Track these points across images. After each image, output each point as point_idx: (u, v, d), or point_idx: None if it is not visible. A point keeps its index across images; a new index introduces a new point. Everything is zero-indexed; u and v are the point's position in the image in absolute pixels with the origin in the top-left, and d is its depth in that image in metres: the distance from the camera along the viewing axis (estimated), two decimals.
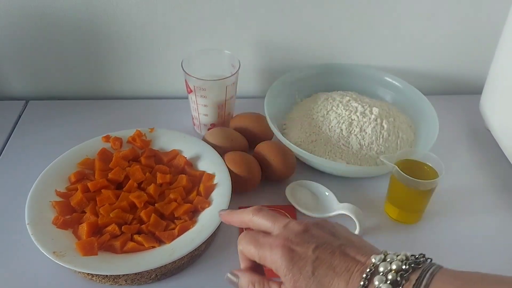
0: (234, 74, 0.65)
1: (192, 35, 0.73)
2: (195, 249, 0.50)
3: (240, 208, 0.59)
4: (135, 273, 0.49)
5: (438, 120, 0.66)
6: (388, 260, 0.32)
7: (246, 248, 0.37)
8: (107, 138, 0.63)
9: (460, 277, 0.30)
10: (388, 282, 0.31)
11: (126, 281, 0.49)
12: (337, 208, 0.57)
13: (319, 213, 0.58)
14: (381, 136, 0.64)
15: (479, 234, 0.57)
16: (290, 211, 0.59)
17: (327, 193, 0.59)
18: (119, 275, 0.49)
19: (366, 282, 0.32)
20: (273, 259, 0.35)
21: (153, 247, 0.51)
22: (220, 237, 0.56)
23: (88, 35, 0.72)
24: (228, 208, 0.51)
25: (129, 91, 0.80)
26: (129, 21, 0.71)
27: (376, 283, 0.31)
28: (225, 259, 0.53)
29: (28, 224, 0.51)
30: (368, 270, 0.32)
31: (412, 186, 0.54)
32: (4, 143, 0.68)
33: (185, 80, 0.65)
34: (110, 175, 0.57)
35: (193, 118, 0.71)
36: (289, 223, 0.37)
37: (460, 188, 0.64)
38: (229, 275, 0.39)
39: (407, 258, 0.33)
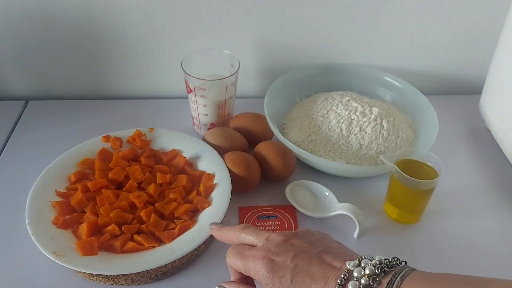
0: (234, 74, 0.65)
1: (192, 35, 0.73)
2: (195, 249, 0.50)
3: (240, 208, 0.59)
4: (135, 273, 0.49)
5: (438, 120, 0.66)
6: (362, 265, 0.34)
7: (233, 261, 0.39)
8: (107, 138, 0.63)
9: (429, 278, 0.32)
10: (361, 286, 0.32)
11: (126, 281, 0.49)
12: (337, 208, 0.57)
13: (319, 213, 0.58)
14: (380, 135, 0.64)
15: (479, 234, 0.57)
16: (290, 211, 0.59)
17: (327, 193, 0.59)
18: (119, 275, 0.49)
19: None
20: (256, 269, 0.37)
21: (153, 247, 0.51)
22: None
23: (88, 35, 0.72)
24: (219, 223, 0.51)
25: (129, 91, 0.80)
26: (129, 21, 0.71)
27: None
28: (225, 259, 0.53)
29: (28, 224, 0.51)
30: (342, 275, 0.33)
31: (412, 186, 0.54)
32: (4, 143, 0.68)
33: (185, 80, 0.65)
34: (110, 175, 0.57)
35: (193, 118, 0.71)
36: (270, 235, 0.39)
37: (460, 188, 0.64)
38: (216, 287, 0.41)
39: (380, 262, 0.34)
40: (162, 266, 0.49)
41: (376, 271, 0.33)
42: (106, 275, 0.49)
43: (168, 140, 0.64)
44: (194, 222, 0.53)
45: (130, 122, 0.70)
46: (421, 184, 0.54)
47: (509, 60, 0.63)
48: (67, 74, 0.77)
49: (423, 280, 0.31)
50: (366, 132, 0.64)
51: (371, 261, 0.34)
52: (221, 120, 0.69)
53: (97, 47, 0.74)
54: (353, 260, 0.35)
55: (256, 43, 0.75)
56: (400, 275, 0.32)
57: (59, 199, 0.55)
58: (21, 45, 0.73)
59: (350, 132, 0.64)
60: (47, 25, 0.71)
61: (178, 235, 0.52)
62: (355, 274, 0.33)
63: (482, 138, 0.73)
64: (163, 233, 0.52)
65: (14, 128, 0.71)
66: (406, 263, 0.35)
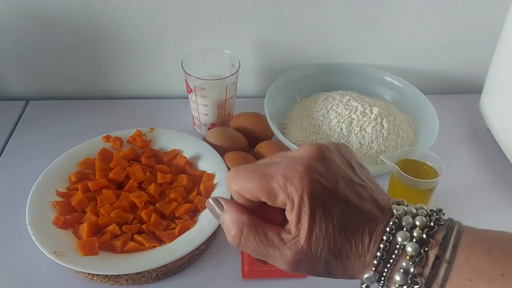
0: (234, 73, 0.65)
1: (192, 35, 0.73)
2: (196, 248, 0.50)
3: None
4: (136, 273, 0.49)
5: (438, 120, 0.66)
6: (411, 213, 0.28)
7: (244, 186, 0.29)
8: (107, 138, 0.63)
9: (487, 238, 0.27)
10: (414, 240, 0.27)
11: (126, 280, 0.49)
12: None
13: None
14: (381, 135, 0.64)
15: None
16: None
17: None
18: (120, 275, 0.49)
19: (390, 237, 0.27)
20: (292, 190, 0.27)
21: (154, 246, 0.51)
22: (220, 237, 0.56)
23: (88, 35, 0.72)
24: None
25: (129, 91, 0.80)
26: (129, 21, 0.71)
27: (399, 239, 0.27)
28: (225, 259, 0.53)
29: (28, 224, 0.51)
30: (391, 223, 0.28)
31: (412, 186, 0.54)
32: (4, 143, 0.68)
33: (185, 80, 0.65)
34: (110, 175, 0.57)
35: (193, 118, 0.71)
36: (292, 151, 0.30)
37: (460, 187, 0.64)
38: (211, 200, 0.31)
39: (428, 214, 0.29)
40: (162, 266, 0.49)
41: (429, 223, 0.28)
42: (107, 275, 0.49)
43: (169, 140, 0.64)
44: (194, 222, 0.53)
45: (131, 122, 0.70)
46: (422, 184, 0.54)
47: (509, 60, 0.64)
48: (67, 74, 0.77)
49: (482, 239, 0.27)
50: (366, 131, 0.64)
51: (417, 210, 0.29)
52: (222, 120, 0.69)
53: (97, 47, 0.74)
54: (398, 205, 0.29)
55: (256, 43, 0.75)
56: (455, 230, 0.27)
57: (59, 199, 0.55)
58: (21, 45, 0.73)
59: (350, 131, 0.65)
60: (47, 25, 0.71)
61: (179, 235, 0.52)
62: (404, 223, 0.28)
63: (482, 138, 0.73)
64: (163, 233, 0.52)
65: (14, 128, 0.71)
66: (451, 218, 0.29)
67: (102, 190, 0.55)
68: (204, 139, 0.64)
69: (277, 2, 0.71)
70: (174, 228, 0.52)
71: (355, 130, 0.64)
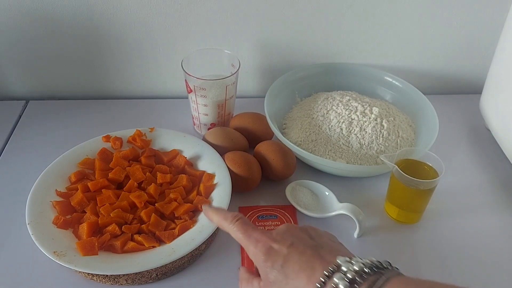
0: (234, 73, 0.65)
1: (192, 35, 0.73)
2: (195, 248, 0.50)
3: (240, 208, 0.59)
4: (136, 273, 0.49)
5: (438, 120, 0.66)
6: (353, 262, 0.34)
7: (236, 234, 0.40)
8: (107, 138, 0.63)
9: (412, 283, 0.32)
10: (346, 280, 0.33)
11: (126, 280, 0.49)
12: (337, 208, 0.57)
13: (319, 213, 0.58)
14: (381, 135, 0.64)
15: (479, 234, 0.57)
16: (290, 211, 0.59)
17: (327, 193, 0.59)
18: (120, 275, 0.49)
19: (326, 279, 0.34)
20: (255, 251, 0.38)
21: (154, 247, 0.51)
22: (220, 237, 0.56)
23: (88, 35, 0.72)
24: (222, 207, 0.52)
25: (129, 91, 0.80)
26: (129, 21, 0.71)
27: (335, 279, 0.33)
28: (225, 259, 0.53)
29: (28, 224, 0.51)
30: (330, 268, 0.34)
31: (412, 186, 0.54)
32: (4, 143, 0.68)
33: (185, 80, 0.65)
34: (110, 175, 0.57)
35: (193, 118, 0.71)
36: (280, 227, 0.40)
37: (460, 187, 0.64)
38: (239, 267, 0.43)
39: (372, 263, 0.34)
40: (162, 266, 0.49)
41: (365, 269, 0.33)
42: (107, 275, 0.49)
43: (169, 140, 0.64)
44: (194, 222, 0.53)
45: (130, 122, 0.70)
46: (422, 184, 0.54)
47: (509, 60, 0.64)
48: (67, 74, 0.77)
49: (407, 283, 0.32)
50: (366, 131, 0.64)
51: (362, 260, 0.34)
52: (221, 120, 0.69)
53: (97, 47, 0.74)
54: (345, 256, 0.35)
55: (256, 43, 0.75)
56: (386, 276, 0.33)
57: (59, 199, 0.55)
58: (21, 45, 0.73)
59: (350, 131, 0.65)
60: (47, 25, 0.71)
61: (179, 235, 0.52)
62: (343, 269, 0.34)
63: (482, 138, 0.73)
64: (163, 233, 0.52)
65: (14, 128, 0.71)
66: (397, 269, 0.35)
67: (102, 190, 0.55)
68: (204, 139, 0.64)
69: (277, 2, 0.71)
70: (174, 228, 0.52)
71: (355, 130, 0.64)
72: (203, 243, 0.51)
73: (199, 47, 0.69)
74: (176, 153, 0.62)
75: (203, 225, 0.52)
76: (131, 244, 0.50)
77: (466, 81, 0.83)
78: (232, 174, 0.58)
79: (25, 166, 0.64)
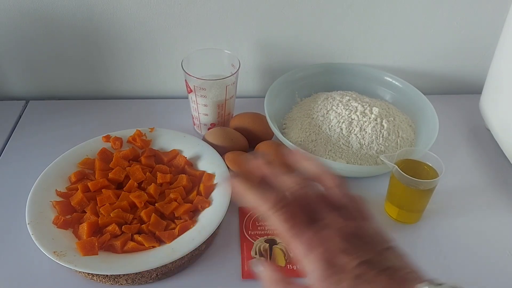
0: (234, 74, 0.65)
1: (192, 35, 0.73)
2: (195, 248, 0.50)
3: (240, 208, 0.59)
4: (136, 273, 0.49)
5: (438, 120, 0.66)
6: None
7: (280, 224, 0.32)
8: (107, 138, 0.63)
9: None
10: None
11: (126, 280, 0.49)
12: None
13: None
14: (381, 135, 0.64)
15: (479, 234, 0.57)
16: None
17: None
18: (120, 275, 0.49)
19: None
20: (308, 261, 0.31)
21: (154, 247, 0.51)
22: (220, 237, 0.56)
23: (88, 35, 0.72)
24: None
25: (129, 91, 0.80)
26: (129, 21, 0.71)
27: None
28: (225, 259, 0.53)
29: (28, 224, 0.51)
30: None
31: (412, 186, 0.54)
32: (4, 143, 0.68)
33: (185, 80, 0.65)
34: (110, 175, 0.57)
35: (193, 118, 0.71)
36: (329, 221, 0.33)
37: (460, 187, 0.64)
38: (255, 261, 0.36)
39: None
40: (162, 266, 0.49)
41: None
42: (107, 275, 0.49)
43: (169, 140, 0.64)
44: (194, 222, 0.53)
45: (130, 122, 0.70)
46: (421, 184, 0.54)
47: (509, 61, 0.64)
48: (67, 74, 0.77)
49: None
50: (366, 132, 0.64)
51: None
52: (221, 120, 0.69)
53: (97, 47, 0.74)
54: (422, 283, 0.30)
55: (256, 43, 0.75)
56: None
57: (59, 199, 0.55)
58: (21, 45, 0.73)
59: (350, 132, 0.65)
60: (47, 25, 0.71)
61: (179, 235, 0.52)
62: None
63: (482, 138, 0.73)
64: (163, 233, 0.52)
65: (14, 128, 0.71)
66: None
67: (102, 190, 0.55)
68: (204, 139, 0.64)
69: (277, 2, 0.71)
70: (174, 228, 0.53)
71: (355, 130, 0.64)
72: (203, 243, 0.51)
73: (199, 47, 0.69)
74: (176, 153, 0.62)
75: (203, 225, 0.52)
76: (131, 244, 0.50)
77: (466, 81, 0.83)
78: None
79: (25, 166, 0.64)
